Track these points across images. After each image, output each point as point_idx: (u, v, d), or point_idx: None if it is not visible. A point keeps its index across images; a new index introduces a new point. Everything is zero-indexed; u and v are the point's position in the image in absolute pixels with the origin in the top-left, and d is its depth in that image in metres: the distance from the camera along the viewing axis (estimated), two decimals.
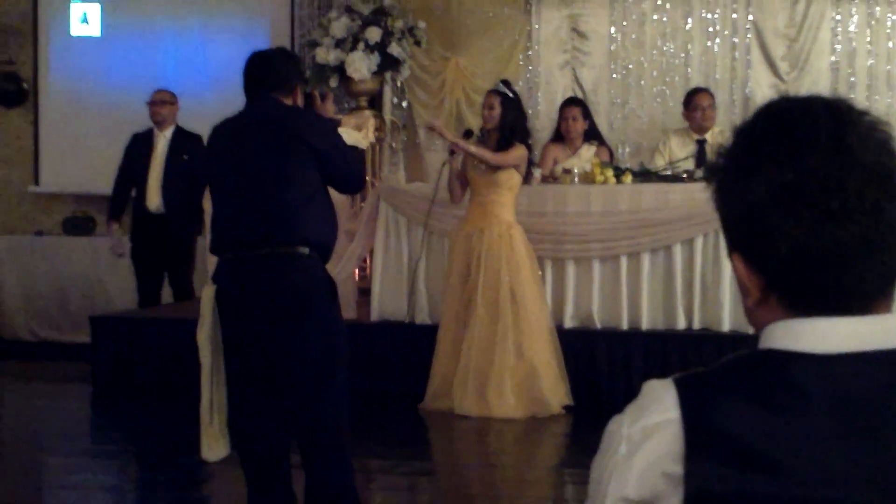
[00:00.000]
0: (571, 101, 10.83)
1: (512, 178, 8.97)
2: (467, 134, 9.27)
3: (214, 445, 5.23)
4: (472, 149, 8.91)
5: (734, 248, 1.77)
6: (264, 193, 5.11)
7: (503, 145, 8.91)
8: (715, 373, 1.72)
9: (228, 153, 5.28)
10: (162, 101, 10.55)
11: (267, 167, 5.13)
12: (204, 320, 5.12)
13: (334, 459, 5.35)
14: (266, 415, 5.21)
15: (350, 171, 5.42)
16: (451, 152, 9.11)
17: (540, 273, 9.28)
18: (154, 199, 10.70)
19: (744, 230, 1.73)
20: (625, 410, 1.74)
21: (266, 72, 5.40)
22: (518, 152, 8.91)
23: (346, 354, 5.40)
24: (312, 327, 5.13)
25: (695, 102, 10.59)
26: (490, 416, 8.78)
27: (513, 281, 8.92)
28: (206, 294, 5.18)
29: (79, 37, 12.76)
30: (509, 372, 8.86)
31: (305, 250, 5.14)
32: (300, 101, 5.49)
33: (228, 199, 5.23)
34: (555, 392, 8.98)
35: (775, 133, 1.71)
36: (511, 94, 9.04)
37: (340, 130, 5.57)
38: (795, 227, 1.66)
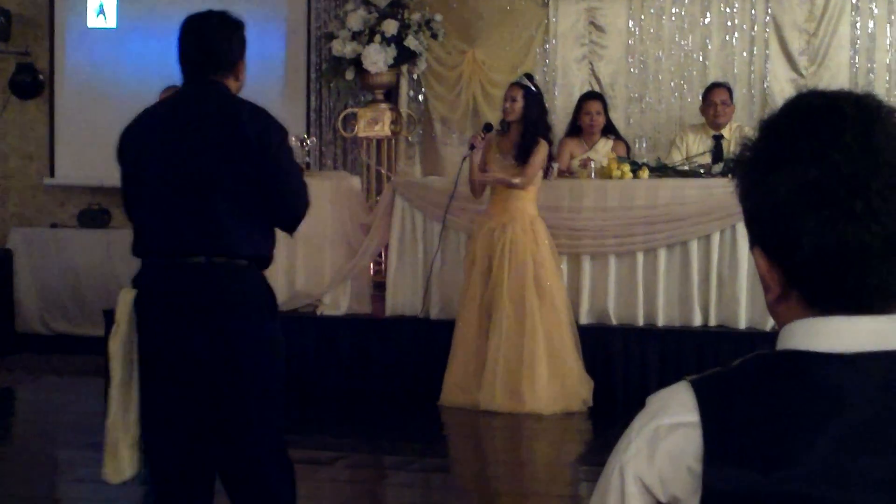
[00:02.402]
0: (593, 96, 10.79)
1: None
2: (487, 128, 9.23)
3: (119, 466, 4.59)
4: (498, 177, 8.91)
5: (756, 242, 1.75)
6: (203, 198, 4.52)
7: (528, 141, 8.87)
8: (733, 374, 1.71)
9: (162, 146, 4.63)
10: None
11: (208, 169, 4.53)
12: (119, 328, 4.58)
13: (268, 496, 4.69)
14: (188, 435, 4.59)
15: (296, 195, 4.74)
16: (472, 146, 9.08)
17: (561, 268, 9.25)
18: None
19: (766, 226, 1.71)
20: (643, 410, 1.74)
21: (208, 52, 4.72)
22: (541, 154, 8.89)
23: (284, 374, 4.73)
24: (251, 342, 4.58)
25: (710, 98, 10.55)
26: (522, 413, 8.74)
27: (539, 274, 8.89)
28: (125, 299, 4.61)
29: (95, 29, 12.75)
30: (542, 367, 8.82)
31: (244, 262, 4.61)
32: (244, 77, 4.82)
33: (160, 199, 4.60)
34: (582, 386, 8.96)
35: (802, 129, 1.69)
36: (534, 88, 9.02)
37: None
38: (818, 226, 1.64)
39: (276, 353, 4.71)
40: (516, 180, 8.87)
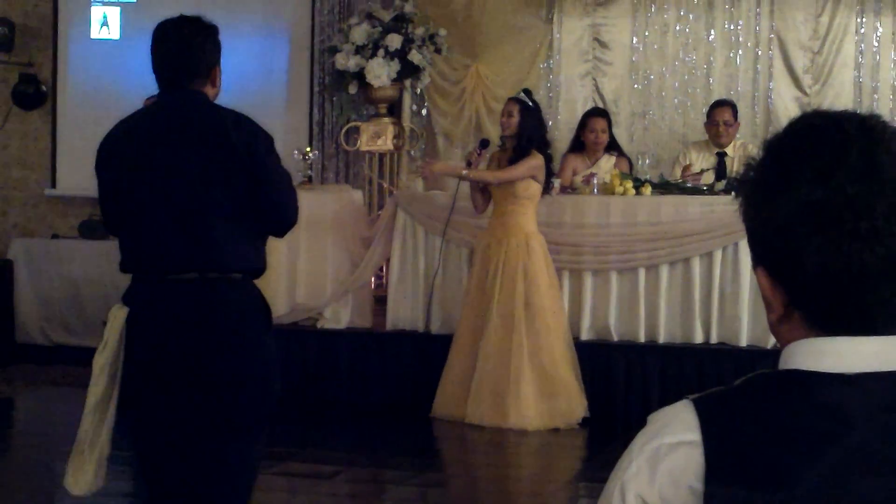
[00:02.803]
0: (598, 113, 10.77)
1: (529, 188, 8.94)
2: (484, 144, 9.27)
3: (83, 479, 4.49)
4: (468, 173, 8.92)
5: (759, 262, 1.74)
6: (192, 211, 4.43)
7: (519, 154, 8.88)
8: (735, 393, 1.70)
9: (145, 158, 4.52)
10: None
11: (195, 181, 4.42)
12: (107, 344, 4.43)
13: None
14: (182, 451, 4.51)
15: (287, 202, 4.64)
16: (469, 163, 9.11)
17: (558, 284, 9.23)
18: None
19: (770, 246, 1.70)
20: (644, 428, 1.73)
21: (184, 58, 4.62)
22: (528, 163, 8.87)
23: (279, 389, 4.70)
24: (248, 358, 4.50)
25: (713, 117, 10.54)
26: (506, 427, 8.72)
27: (528, 292, 8.88)
28: (117, 317, 4.47)
29: (98, 40, 12.75)
30: (527, 382, 8.81)
31: (238, 276, 4.50)
32: (219, 83, 4.75)
33: (147, 213, 4.48)
34: (573, 404, 8.93)
35: (806, 150, 1.68)
36: (530, 104, 9.02)
37: None
38: (822, 246, 1.63)
39: (271, 368, 4.64)
40: (489, 176, 8.88)
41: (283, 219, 4.67)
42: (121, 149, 4.61)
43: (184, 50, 4.62)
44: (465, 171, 8.96)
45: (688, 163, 10.49)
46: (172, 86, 4.63)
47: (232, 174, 4.44)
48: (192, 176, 4.43)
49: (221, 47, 4.76)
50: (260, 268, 4.63)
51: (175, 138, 4.50)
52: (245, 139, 4.47)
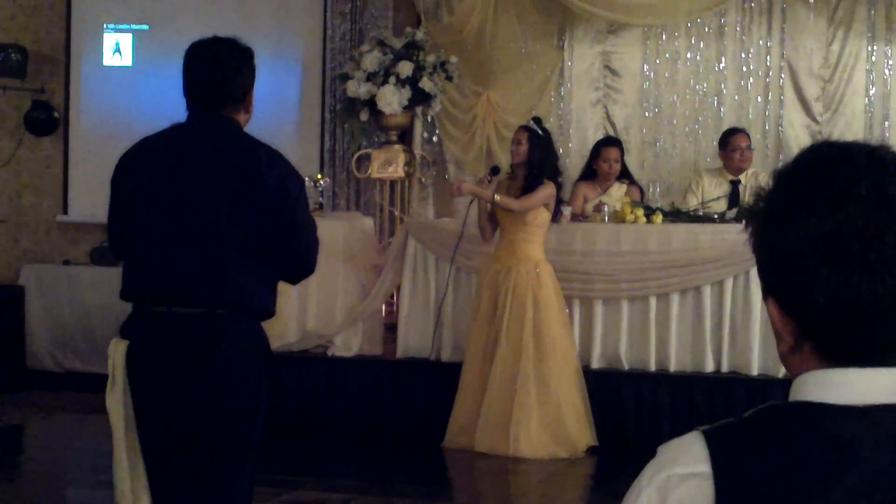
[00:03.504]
0: (611, 142, 10.77)
1: (539, 216, 8.94)
2: (494, 171, 9.27)
3: None
4: (498, 198, 8.89)
5: (769, 292, 1.74)
6: (211, 244, 4.26)
7: (530, 182, 8.88)
8: (746, 425, 1.69)
9: (168, 182, 4.33)
10: None
11: (219, 213, 4.25)
12: (116, 381, 4.29)
13: None
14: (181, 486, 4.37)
15: (309, 251, 4.47)
16: None
17: (567, 312, 9.21)
18: None
19: (780, 276, 1.70)
20: (654, 459, 1.72)
21: (221, 82, 4.43)
22: (545, 192, 8.88)
23: (262, 428, 4.45)
24: (246, 402, 4.32)
25: (733, 143, 10.51)
26: (510, 455, 8.69)
27: (537, 319, 8.87)
28: (118, 350, 4.31)
29: (111, 67, 12.79)
30: (532, 410, 8.78)
31: (245, 315, 4.32)
32: (251, 110, 4.55)
33: (161, 239, 4.31)
34: (580, 433, 8.91)
35: (816, 181, 1.68)
36: (540, 132, 9.02)
37: None
38: (832, 278, 1.63)
39: (259, 411, 4.41)
40: (515, 204, 8.85)
41: (302, 268, 4.53)
42: (142, 167, 4.43)
43: (220, 72, 4.43)
44: (496, 196, 8.94)
45: (700, 190, 10.48)
46: (205, 110, 4.45)
47: (259, 213, 4.26)
48: (217, 208, 4.26)
49: (256, 72, 4.57)
50: (271, 311, 4.47)
51: (204, 166, 4.33)
52: (278, 179, 4.30)
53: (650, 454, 1.73)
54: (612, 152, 10.44)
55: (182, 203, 4.29)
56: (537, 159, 8.93)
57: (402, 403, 9.63)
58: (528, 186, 8.89)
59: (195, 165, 4.34)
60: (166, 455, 4.32)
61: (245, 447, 4.37)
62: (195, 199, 4.28)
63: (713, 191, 10.45)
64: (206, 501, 4.38)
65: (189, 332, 4.26)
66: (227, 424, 4.30)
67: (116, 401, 4.29)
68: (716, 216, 9.68)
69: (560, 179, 9.26)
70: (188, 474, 4.34)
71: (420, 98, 11.45)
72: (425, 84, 11.36)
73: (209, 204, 4.27)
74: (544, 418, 8.83)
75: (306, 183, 10.36)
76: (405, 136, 12.02)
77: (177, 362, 4.24)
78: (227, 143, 4.38)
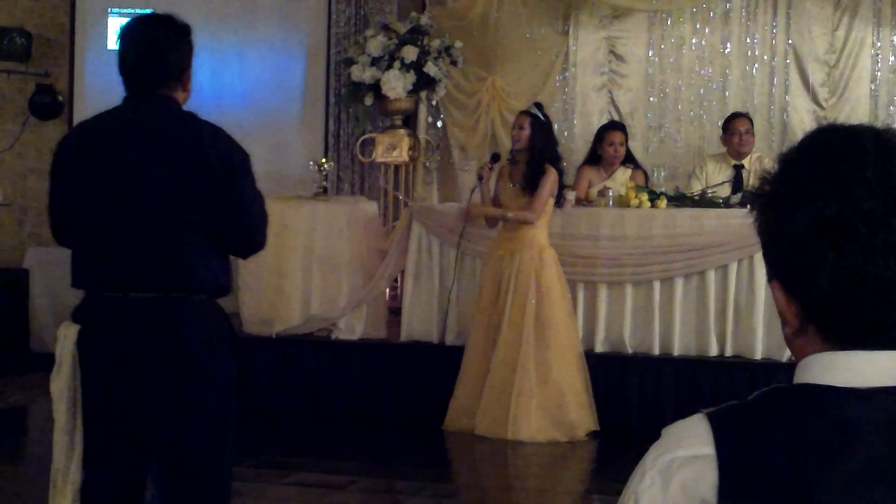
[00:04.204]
0: (615, 127, 10.73)
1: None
2: (495, 158, 9.27)
3: None
4: (510, 215, 8.91)
5: (774, 275, 1.73)
6: (159, 226, 4.15)
7: (533, 168, 8.86)
8: (750, 407, 1.69)
9: (110, 165, 4.20)
10: None
11: (165, 194, 4.15)
12: (62, 367, 4.18)
13: None
14: (131, 479, 4.29)
15: (257, 226, 4.37)
16: (480, 177, 9.11)
17: (570, 297, 9.21)
18: None
19: (785, 260, 1.70)
20: (658, 441, 1.73)
21: (155, 63, 4.28)
22: (549, 181, 8.89)
23: (235, 412, 4.33)
24: (208, 386, 4.21)
25: (732, 127, 10.50)
26: (509, 438, 8.70)
27: (540, 304, 8.86)
28: (67, 335, 4.22)
29: (114, 51, 12.72)
30: (532, 395, 8.79)
31: (203, 296, 4.22)
32: (190, 87, 4.40)
33: (105, 226, 4.19)
34: (581, 417, 8.91)
35: (821, 164, 1.68)
36: (542, 117, 9.00)
37: None
38: (837, 261, 1.63)
39: (231, 393, 4.31)
40: (530, 216, 8.85)
41: (251, 242, 4.42)
42: (82, 153, 4.30)
43: (156, 50, 4.28)
44: (508, 214, 8.94)
45: (704, 175, 10.47)
46: (142, 90, 4.31)
47: (204, 190, 4.16)
48: (163, 189, 4.15)
49: (194, 49, 4.42)
50: (227, 287, 4.37)
51: (145, 147, 4.21)
52: (221, 155, 4.21)
53: (654, 438, 1.73)
54: (617, 136, 10.42)
55: (126, 186, 4.18)
56: (540, 145, 8.92)
57: (406, 387, 9.64)
58: (532, 172, 8.88)
59: (136, 147, 4.21)
60: (122, 441, 4.22)
61: (219, 433, 4.29)
62: (139, 182, 4.17)
63: (717, 176, 10.43)
64: (186, 491, 4.31)
65: (145, 318, 4.15)
66: (198, 413, 4.20)
67: (62, 385, 4.18)
68: (720, 201, 9.68)
69: (561, 165, 9.25)
70: (165, 466, 4.27)
71: (424, 83, 11.43)
72: (430, 69, 11.35)
73: (153, 185, 4.16)
74: (545, 403, 8.83)
75: (311, 167, 10.41)
76: (410, 121, 12.02)
77: (134, 349, 4.13)
78: (166, 123, 4.27)
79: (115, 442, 4.21)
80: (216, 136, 4.27)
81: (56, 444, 4.22)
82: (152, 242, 4.15)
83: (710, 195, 9.84)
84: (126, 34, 4.37)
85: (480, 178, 9.13)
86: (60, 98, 13.04)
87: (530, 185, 8.89)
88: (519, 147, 9.00)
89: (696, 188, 10.23)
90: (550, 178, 8.90)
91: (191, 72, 4.39)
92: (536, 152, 8.91)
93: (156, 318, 4.14)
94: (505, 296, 8.92)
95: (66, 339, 4.20)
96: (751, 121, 10.63)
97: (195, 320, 4.20)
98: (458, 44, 11.59)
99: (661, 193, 9.72)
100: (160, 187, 4.15)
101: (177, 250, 4.16)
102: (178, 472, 4.28)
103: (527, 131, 8.93)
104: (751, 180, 10.09)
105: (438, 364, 9.57)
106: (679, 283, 9.36)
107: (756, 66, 12.01)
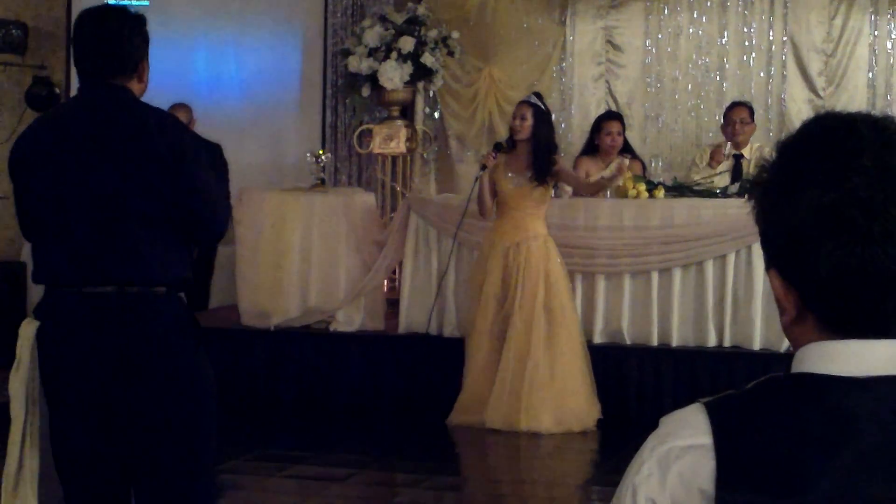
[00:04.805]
0: (613, 116, 10.73)
1: (546, 191, 8.95)
2: (497, 147, 9.21)
3: None
4: (603, 181, 9.26)
5: (772, 264, 1.73)
6: (112, 219, 4.08)
7: (540, 158, 8.85)
8: (747, 397, 1.69)
9: (63, 160, 4.14)
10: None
11: (116, 186, 4.08)
12: (21, 364, 4.11)
13: None
14: (105, 477, 4.17)
15: (212, 213, 4.25)
16: (483, 167, 9.08)
17: (571, 286, 9.21)
18: None
19: (783, 248, 1.69)
20: (656, 431, 1.72)
21: (109, 50, 4.20)
22: (566, 165, 8.97)
23: (213, 408, 4.25)
24: (176, 383, 4.12)
25: (729, 116, 10.51)
26: (522, 430, 8.69)
27: (548, 295, 8.86)
28: (26, 332, 4.14)
29: None
30: (543, 386, 8.78)
31: (161, 290, 4.13)
32: (147, 78, 4.34)
33: (62, 220, 4.12)
34: (588, 407, 8.91)
35: (819, 152, 1.67)
36: (543, 107, 9.00)
37: None
38: (835, 249, 1.62)
39: (201, 388, 4.22)
40: (608, 182, 9.26)
41: (207, 230, 4.33)
42: (38, 148, 4.24)
43: (108, 42, 4.20)
44: (603, 176, 9.11)
45: (704, 164, 10.47)
46: (95, 80, 4.24)
47: (155, 180, 4.09)
48: (112, 181, 4.09)
49: (150, 40, 4.36)
50: (186, 278, 4.26)
51: (96, 139, 4.14)
52: (170, 143, 4.12)
53: (652, 429, 1.73)
54: (614, 125, 10.41)
55: (79, 179, 4.11)
56: (543, 136, 8.92)
57: (404, 378, 9.63)
58: (541, 165, 8.85)
59: (88, 139, 4.15)
60: (88, 441, 4.11)
61: (188, 432, 4.18)
62: (91, 173, 4.10)
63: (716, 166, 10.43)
64: (168, 491, 4.20)
65: (101, 313, 4.08)
66: (162, 415, 4.11)
67: (20, 382, 4.13)
68: (718, 191, 9.67)
69: (560, 154, 9.26)
70: (141, 466, 4.17)
71: (421, 73, 11.44)
72: (427, 59, 11.35)
73: (104, 176, 4.09)
74: (553, 394, 8.82)
75: (308, 158, 10.40)
76: (407, 112, 12.02)
77: (91, 343, 4.06)
78: (117, 113, 4.20)
79: (84, 440, 4.12)
80: (164, 123, 4.22)
81: (11, 443, 4.14)
82: (106, 235, 4.09)
83: (707, 185, 9.84)
84: (80, 25, 4.29)
85: (483, 167, 9.10)
86: (57, 90, 13.02)
87: (540, 176, 8.87)
88: (521, 137, 8.97)
89: (696, 177, 10.23)
90: (562, 162, 9.00)
91: (147, 63, 4.33)
92: (540, 143, 8.89)
93: (111, 313, 4.08)
94: (514, 288, 8.89)
95: (24, 336, 4.14)
96: (750, 110, 10.62)
97: (152, 314, 4.12)
98: (455, 34, 11.60)
99: (659, 183, 9.72)
100: (108, 178, 4.09)
101: (131, 242, 4.09)
102: (147, 480, 4.18)
103: (529, 121, 8.91)
104: (750, 170, 10.10)
105: (436, 355, 9.56)
106: (677, 274, 9.36)
107: (753, 55, 12.01)
